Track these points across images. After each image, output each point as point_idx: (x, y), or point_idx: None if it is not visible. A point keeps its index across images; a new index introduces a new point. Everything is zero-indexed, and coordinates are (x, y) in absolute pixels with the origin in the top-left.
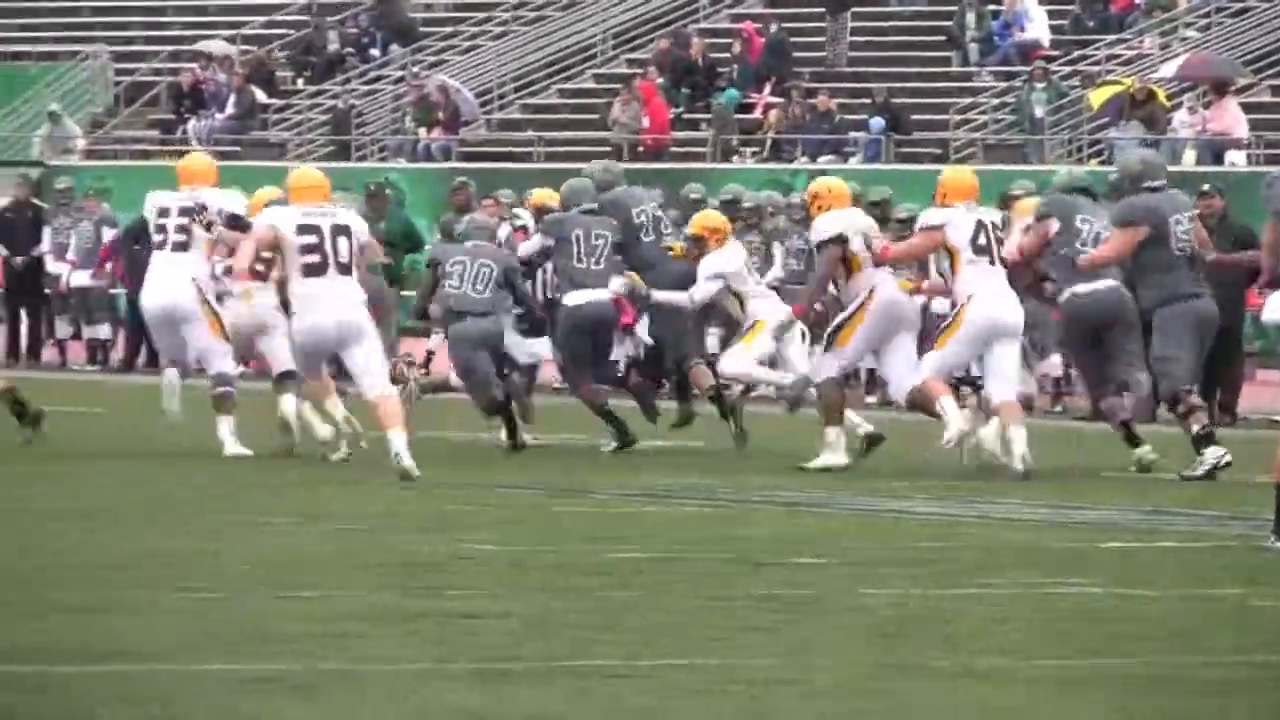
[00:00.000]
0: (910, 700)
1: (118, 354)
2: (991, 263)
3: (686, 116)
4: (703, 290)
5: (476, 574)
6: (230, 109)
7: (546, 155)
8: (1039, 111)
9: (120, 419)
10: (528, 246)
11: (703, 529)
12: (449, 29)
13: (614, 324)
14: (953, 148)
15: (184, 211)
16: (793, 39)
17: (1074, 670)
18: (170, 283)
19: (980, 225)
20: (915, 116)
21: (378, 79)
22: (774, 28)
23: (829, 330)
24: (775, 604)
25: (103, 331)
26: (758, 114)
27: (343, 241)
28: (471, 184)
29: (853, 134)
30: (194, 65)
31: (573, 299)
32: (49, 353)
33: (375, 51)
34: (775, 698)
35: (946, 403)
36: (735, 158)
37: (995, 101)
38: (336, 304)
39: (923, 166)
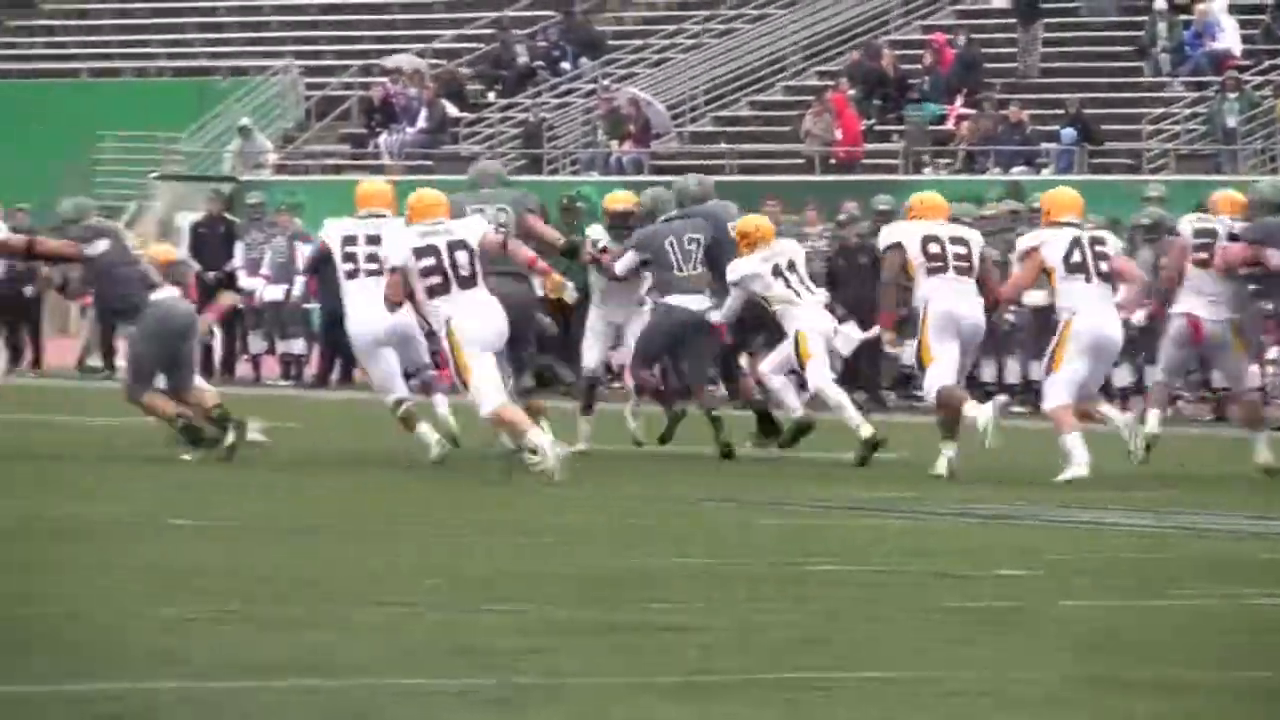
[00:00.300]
0: (1112, 712)
1: (311, 369)
2: (1088, 280)
3: (878, 128)
4: (729, 307)
5: (677, 587)
6: (421, 123)
7: (739, 168)
8: (1231, 121)
9: (314, 434)
10: (623, 263)
11: (902, 541)
12: (639, 42)
13: (706, 329)
14: (1145, 158)
15: (370, 239)
16: (984, 49)
17: (1277, 682)
18: (379, 308)
19: (1075, 242)
20: (1107, 127)
21: (569, 92)
22: (962, 39)
23: (915, 354)
24: (974, 616)
25: (296, 346)
26: (949, 125)
27: (461, 256)
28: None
29: (1045, 145)
30: (384, 80)
31: (669, 300)
32: (243, 368)
33: (566, 65)
34: (976, 709)
35: (1075, 442)
36: (927, 170)
37: (1187, 112)
38: (482, 312)
39: (1116, 177)
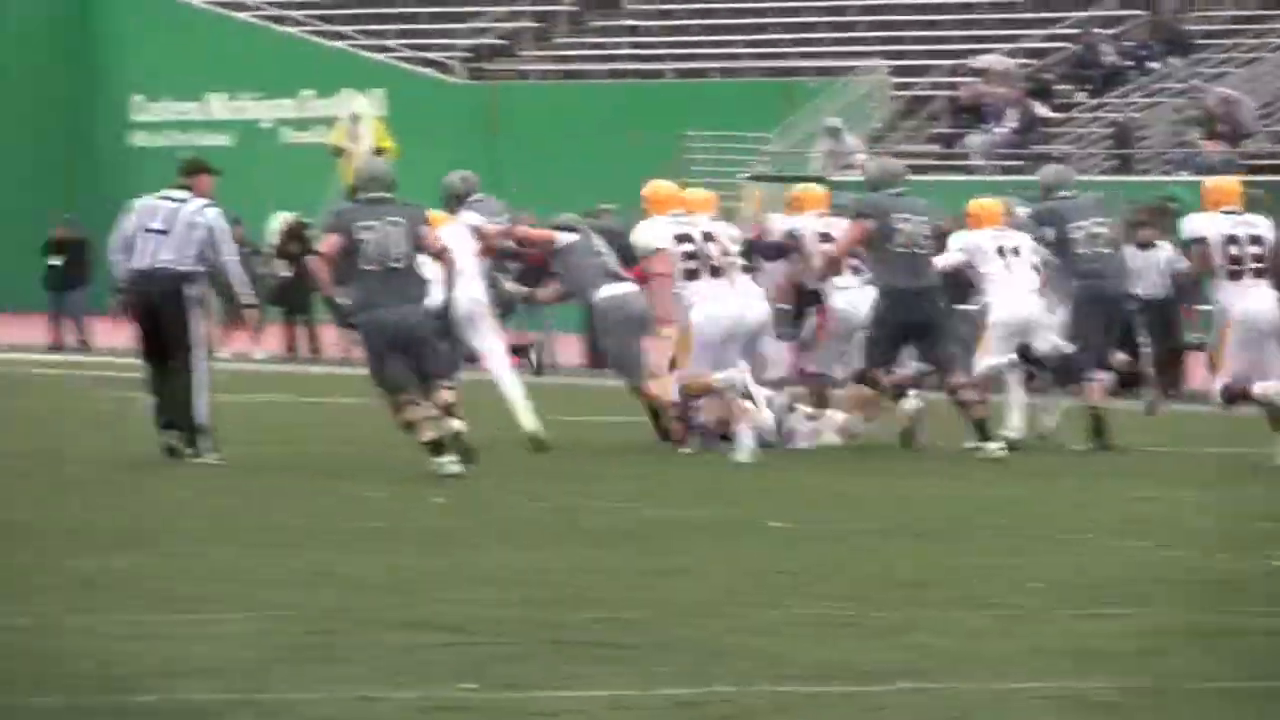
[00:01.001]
0: None
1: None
2: None
3: None
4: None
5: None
6: (1010, 123)
7: None
8: None
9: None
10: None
11: None
12: (1229, 41)
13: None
14: None
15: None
16: None
17: None
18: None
19: None
20: None
21: (1158, 91)
22: None
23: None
24: None
25: None
26: None
27: (712, 247)
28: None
29: None
30: (973, 79)
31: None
32: None
33: (1153, 64)
34: None
35: None
36: None
37: None
38: (730, 300)
39: None
